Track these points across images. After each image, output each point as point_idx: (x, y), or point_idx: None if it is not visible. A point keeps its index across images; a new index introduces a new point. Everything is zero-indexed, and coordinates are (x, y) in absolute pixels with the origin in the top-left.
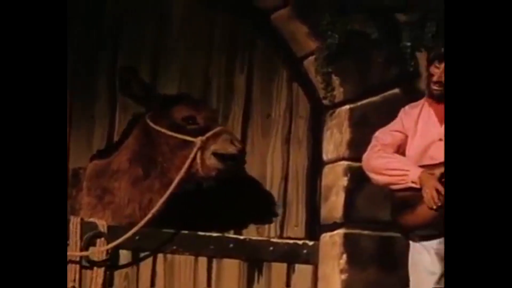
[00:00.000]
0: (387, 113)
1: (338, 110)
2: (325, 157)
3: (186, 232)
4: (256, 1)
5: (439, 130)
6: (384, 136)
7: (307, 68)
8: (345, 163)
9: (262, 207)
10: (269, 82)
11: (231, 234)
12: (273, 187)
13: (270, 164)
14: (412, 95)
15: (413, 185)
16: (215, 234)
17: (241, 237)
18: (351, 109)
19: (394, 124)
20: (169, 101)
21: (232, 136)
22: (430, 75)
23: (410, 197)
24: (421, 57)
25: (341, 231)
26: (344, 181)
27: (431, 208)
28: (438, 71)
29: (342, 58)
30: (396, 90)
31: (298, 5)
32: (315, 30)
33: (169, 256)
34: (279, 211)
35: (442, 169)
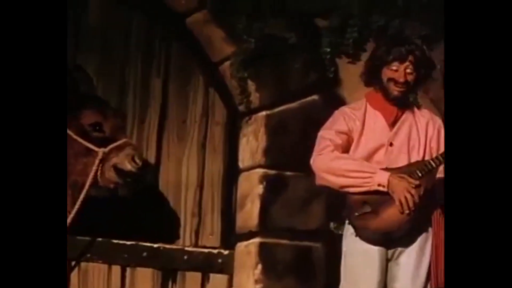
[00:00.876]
0: (305, 120)
1: (254, 116)
2: (241, 164)
3: (100, 239)
4: (171, 3)
5: (389, 134)
6: (334, 136)
7: (223, 73)
8: (260, 170)
9: (175, 216)
10: (185, 87)
11: (145, 243)
12: (189, 194)
13: (186, 170)
14: (331, 102)
15: (380, 188)
16: (129, 243)
17: (155, 246)
18: (267, 116)
19: (339, 126)
20: (80, 103)
21: (135, 151)
22: (390, 79)
23: (373, 201)
24: (342, 63)
25: (256, 240)
26: (260, 189)
27: (402, 213)
28: (397, 73)
29: (258, 63)
30: (315, 97)
31: (213, 8)
32: (231, 34)
33: (83, 264)
34: (195, 219)
35: (410, 173)
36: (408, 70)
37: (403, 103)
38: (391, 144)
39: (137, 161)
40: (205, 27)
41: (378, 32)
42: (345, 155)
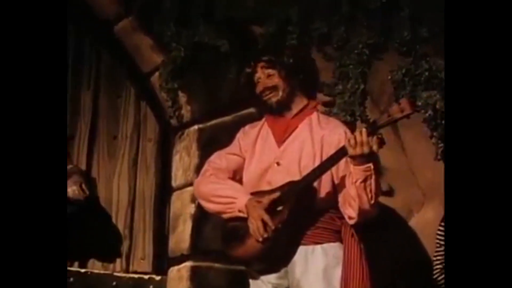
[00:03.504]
0: None
1: (186, 131)
2: (173, 182)
3: None
4: (98, 10)
5: (276, 153)
6: (218, 159)
7: (154, 85)
8: (192, 188)
9: (108, 239)
10: (116, 100)
11: (71, 267)
12: (119, 214)
13: (116, 189)
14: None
15: (240, 214)
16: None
17: (82, 271)
18: (199, 130)
19: (232, 147)
20: None
21: (82, 179)
22: (258, 93)
23: (240, 228)
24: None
25: (188, 264)
26: (192, 208)
27: (258, 240)
28: (259, 83)
29: (189, 73)
30: (251, 109)
31: (140, 15)
32: (159, 42)
33: None
34: (125, 242)
35: (272, 196)
36: (268, 74)
37: (296, 109)
38: (278, 164)
39: (85, 189)
40: (133, 35)
41: (320, 40)
42: (215, 179)
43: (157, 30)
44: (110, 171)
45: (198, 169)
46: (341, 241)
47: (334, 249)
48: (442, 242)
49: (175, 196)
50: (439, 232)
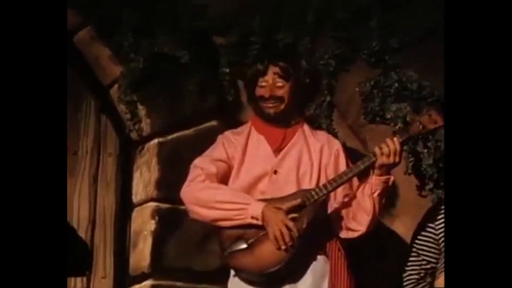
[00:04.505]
0: (202, 149)
1: (147, 145)
2: (134, 198)
3: None
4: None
5: (273, 161)
6: (207, 165)
7: (114, 97)
8: (153, 204)
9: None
10: (76, 114)
11: None
12: (80, 232)
13: (77, 206)
14: (232, 128)
15: (254, 221)
16: None
17: None
18: (160, 144)
19: (217, 153)
20: None
21: None
22: (259, 97)
23: (248, 236)
24: (243, 85)
25: (148, 282)
26: (152, 225)
27: (279, 248)
28: (264, 89)
29: (148, 85)
30: (213, 123)
31: (99, 25)
32: (118, 52)
33: None
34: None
35: (289, 204)
36: (277, 84)
37: (290, 120)
38: (275, 172)
39: None
40: (92, 46)
41: (285, 51)
42: (215, 184)
43: (116, 40)
44: (71, 188)
45: (159, 184)
46: (326, 254)
47: (320, 262)
48: (419, 253)
49: (136, 212)
50: (415, 245)
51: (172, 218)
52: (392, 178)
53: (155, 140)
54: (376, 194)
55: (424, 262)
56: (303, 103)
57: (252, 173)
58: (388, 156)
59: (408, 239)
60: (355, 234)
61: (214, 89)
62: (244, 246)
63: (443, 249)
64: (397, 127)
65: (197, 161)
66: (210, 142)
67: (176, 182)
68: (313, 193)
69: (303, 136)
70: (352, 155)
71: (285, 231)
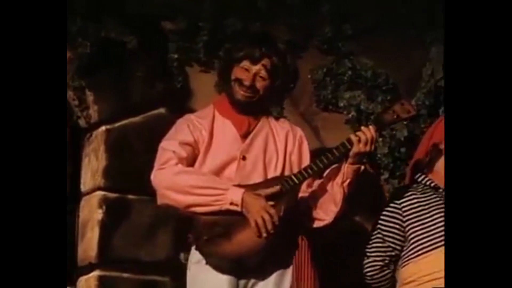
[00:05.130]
0: (150, 136)
1: (95, 132)
2: (82, 187)
3: None
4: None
5: (241, 146)
6: (177, 148)
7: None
8: (100, 193)
9: None
10: None
11: None
12: None
13: None
14: (180, 116)
15: (233, 207)
16: None
17: None
18: (107, 131)
19: (183, 136)
20: None
21: None
22: (237, 79)
23: (225, 222)
24: (192, 71)
25: (96, 273)
26: (99, 214)
27: (259, 236)
28: (246, 74)
29: (96, 70)
30: (162, 110)
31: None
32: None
33: None
34: None
35: (268, 190)
36: (260, 74)
37: (256, 111)
38: (243, 158)
39: None
40: None
41: (234, 37)
42: (191, 169)
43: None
44: None
45: (106, 172)
46: None
47: None
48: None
49: (84, 201)
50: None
51: (120, 208)
52: (363, 167)
53: (103, 127)
54: (346, 183)
55: (389, 249)
56: (274, 101)
57: (219, 159)
58: (366, 144)
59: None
60: (321, 224)
61: (162, 76)
62: (221, 232)
63: (408, 236)
64: (350, 115)
65: (166, 144)
66: (158, 130)
67: (124, 170)
68: (290, 180)
69: (267, 123)
70: None
71: (267, 218)
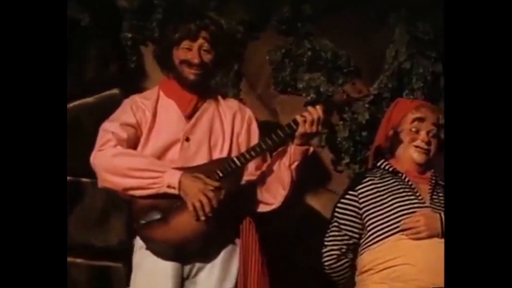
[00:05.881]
0: (103, 118)
1: None
2: None
3: None
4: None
5: (185, 127)
6: (117, 129)
7: None
8: None
9: None
10: None
11: None
12: None
13: None
14: None
15: (170, 190)
16: None
17: None
18: None
19: (125, 117)
20: None
21: None
22: (183, 61)
23: (163, 206)
24: (147, 51)
25: None
26: None
27: (197, 219)
28: (190, 53)
29: None
30: (115, 91)
31: None
32: None
33: None
34: None
35: (208, 173)
36: (204, 48)
37: (203, 90)
38: (187, 139)
39: None
40: None
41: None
42: (130, 151)
43: None
44: None
45: None
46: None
47: None
48: (341, 227)
49: None
50: (336, 219)
51: (72, 192)
52: (311, 148)
53: None
54: (294, 165)
55: (346, 237)
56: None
57: (162, 140)
58: (311, 124)
59: (323, 216)
60: (268, 208)
61: (116, 55)
62: (159, 216)
63: (365, 223)
64: (309, 97)
65: (106, 125)
66: (111, 111)
67: (76, 153)
68: (231, 162)
69: (214, 102)
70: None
71: (205, 201)
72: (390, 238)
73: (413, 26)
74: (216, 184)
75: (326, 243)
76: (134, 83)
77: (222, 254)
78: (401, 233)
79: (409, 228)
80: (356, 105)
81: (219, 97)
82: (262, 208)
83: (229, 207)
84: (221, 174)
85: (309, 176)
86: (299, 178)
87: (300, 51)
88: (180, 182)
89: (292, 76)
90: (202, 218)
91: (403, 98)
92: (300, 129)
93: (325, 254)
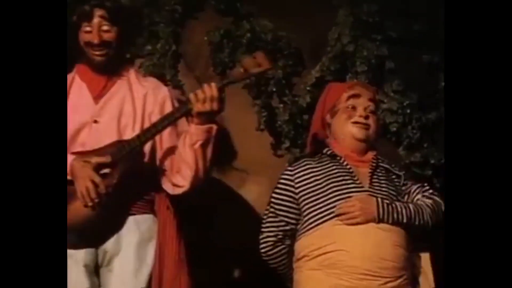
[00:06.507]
0: None
1: None
2: None
3: None
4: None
5: (93, 109)
6: None
7: None
8: None
9: None
10: None
11: None
12: None
13: None
14: None
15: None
16: None
17: None
18: None
19: None
20: None
21: None
22: (86, 44)
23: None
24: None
25: None
26: None
27: (86, 205)
28: (92, 33)
29: None
30: None
31: None
32: None
33: None
34: None
35: (98, 158)
36: (103, 28)
37: (112, 71)
38: (95, 121)
39: None
40: None
41: None
42: None
43: None
44: None
45: None
46: (154, 213)
47: (147, 222)
48: (277, 213)
49: None
50: (272, 204)
51: None
52: (215, 127)
53: None
54: (197, 145)
55: (282, 223)
56: (128, 48)
57: (73, 123)
58: (204, 102)
59: (261, 202)
60: (180, 191)
61: None
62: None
63: (302, 208)
64: (248, 80)
65: None
66: None
67: None
68: (125, 145)
69: (127, 83)
70: None
71: (91, 186)
72: (326, 223)
73: (358, 8)
74: (106, 170)
75: (263, 229)
76: None
77: (137, 242)
78: (336, 218)
79: (344, 213)
80: (297, 88)
81: (133, 77)
82: (175, 191)
83: (129, 189)
84: (110, 158)
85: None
86: (207, 158)
87: (239, 32)
88: (71, 167)
89: (231, 57)
90: (89, 204)
91: (335, 83)
92: (195, 108)
93: (262, 241)
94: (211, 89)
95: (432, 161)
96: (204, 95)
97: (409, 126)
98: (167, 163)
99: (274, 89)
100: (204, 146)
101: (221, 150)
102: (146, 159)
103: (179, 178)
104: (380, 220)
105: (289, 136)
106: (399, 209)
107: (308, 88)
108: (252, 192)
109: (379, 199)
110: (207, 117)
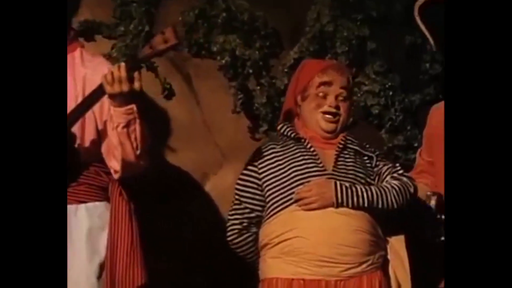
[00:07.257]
0: None
1: None
2: None
3: None
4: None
5: None
6: None
7: None
8: None
9: None
10: None
11: None
12: None
13: None
14: None
15: None
16: None
17: None
18: None
19: None
20: None
21: None
22: None
23: None
24: None
25: None
26: None
27: None
28: None
29: None
30: None
31: None
32: None
33: None
34: None
35: None
36: None
37: None
38: None
39: None
40: None
41: None
42: None
43: None
44: None
45: None
46: (108, 199)
47: (100, 209)
48: (241, 200)
49: None
50: (237, 191)
51: None
52: (135, 107)
53: None
54: (120, 127)
55: (247, 211)
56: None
57: None
58: (112, 84)
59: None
60: (117, 176)
61: None
62: None
63: (266, 195)
64: (224, 61)
65: None
66: None
67: None
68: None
69: (71, 64)
70: None
71: None
72: (286, 209)
73: None
74: None
75: (228, 217)
76: None
77: (87, 227)
78: (295, 204)
79: (301, 199)
80: (274, 70)
81: (80, 57)
82: (115, 176)
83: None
84: None
85: None
86: (136, 142)
87: (215, 12)
88: None
89: (206, 38)
90: None
91: (310, 59)
92: (107, 90)
93: (228, 229)
94: (119, 70)
95: (416, 144)
96: (113, 77)
97: (392, 109)
98: (104, 148)
99: (250, 71)
100: (127, 127)
101: (195, 133)
102: (85, 144)
103: (115, 163)
104: (339, 205)
105: (266, 119)
106: (360, 193)
107: (286, 70)
108: (228, 176)
109: (338, 183)
110: (123, 99)
